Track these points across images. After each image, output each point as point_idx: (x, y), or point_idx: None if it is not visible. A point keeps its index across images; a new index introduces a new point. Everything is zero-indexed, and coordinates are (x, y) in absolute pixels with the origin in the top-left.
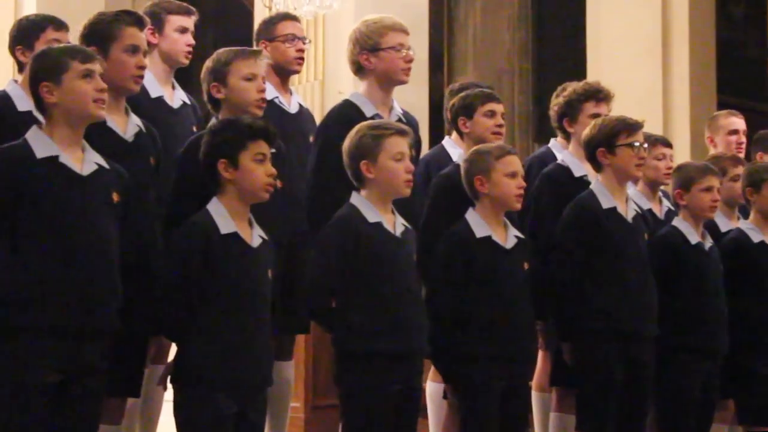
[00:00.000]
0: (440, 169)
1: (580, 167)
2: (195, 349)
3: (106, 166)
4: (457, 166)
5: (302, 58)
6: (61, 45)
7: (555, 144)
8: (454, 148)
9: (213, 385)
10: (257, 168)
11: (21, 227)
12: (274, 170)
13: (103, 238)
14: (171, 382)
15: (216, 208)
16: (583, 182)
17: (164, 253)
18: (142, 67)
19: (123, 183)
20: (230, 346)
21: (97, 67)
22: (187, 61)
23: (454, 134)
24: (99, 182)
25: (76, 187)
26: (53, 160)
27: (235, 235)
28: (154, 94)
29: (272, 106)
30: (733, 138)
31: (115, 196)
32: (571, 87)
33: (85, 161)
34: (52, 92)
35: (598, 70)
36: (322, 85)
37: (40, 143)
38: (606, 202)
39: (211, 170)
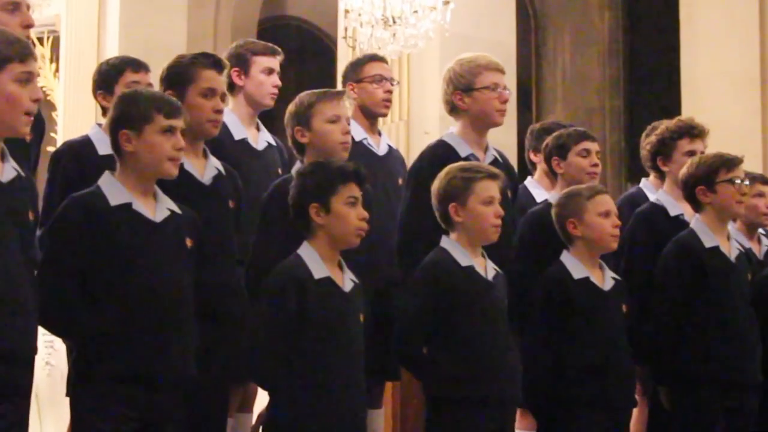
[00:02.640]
0: (521, 210)
1: (676, 206)
2: (289, 398)
3: (178, 211)
4: (548, 204)
5: (390, 100)
6: (149, 92)
7: (646, 184)
8: (537, 189)
9: None
10: (349, 212)
11: (96, 275)
12: (366, 214)
13: (178, 284)
14: None
15: (307, 253)
16: (679, 222)
17: (257, 299)
18: (219, 111)
19: (196, 227)
20: (324, 395)
21: (180, 123)
22: (272, 103)
23: (537, 174)
24: (172, 228)
25: (150, 234)
26: (126, 207)
27: (328, 280)
28: (237, 136)
29: (361, 147)
30: None
31: (188, 242)
32: (663, 125)
33: (158, 208)
34: (131, 141)
35: (693, 106)
36: (408, 125)
37: (114, 190)
38: (708, 241)
39: (302, 214)
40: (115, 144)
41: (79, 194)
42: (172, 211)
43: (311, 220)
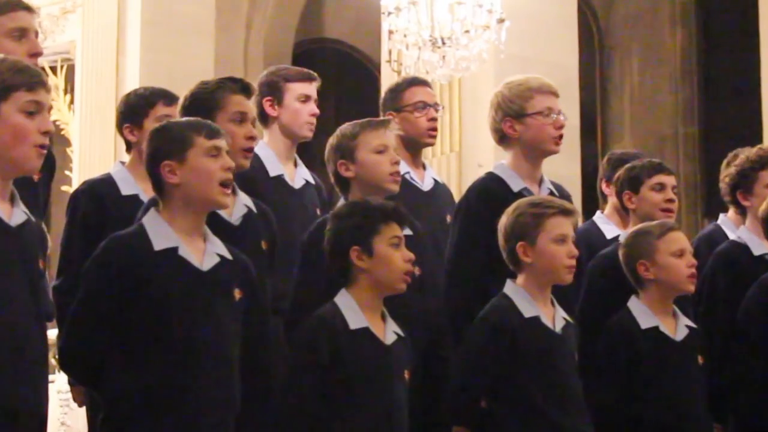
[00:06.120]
0: (589, 249)
1: (761, 245)
2: None
3: (229, 256)
4: (619, 244)
5: (435, 128)
6: (183, 119)
7: (725, 220)
8: (608, 225)
9: None
10: (394, 253)
11: (131, 325)
12: (412, 255)
13: (223, 341)
14: None
15: (344, 301)
16: (765, 262)
17: (289, 353)
18: (252, 138)
19: (245, 277)
20: None
21: (223, 143)
22: (310, 134)
23: (608, 209)
24: (220, 278)
25: (196, 284)
26: (172, 252)
27: (365, 331)
28: (273, 172)
29: (403, 183)
30: None
31: (236, 293)
32: (744, 154)
33: (207, 253)
34: (175, 171)
35: None
36: (459, 157)
37: (159, 231)
38: None
39: (340, 260)
40: (158, 180)
41: (121, 234)
42: (222, 257)
43: (352, 266)
